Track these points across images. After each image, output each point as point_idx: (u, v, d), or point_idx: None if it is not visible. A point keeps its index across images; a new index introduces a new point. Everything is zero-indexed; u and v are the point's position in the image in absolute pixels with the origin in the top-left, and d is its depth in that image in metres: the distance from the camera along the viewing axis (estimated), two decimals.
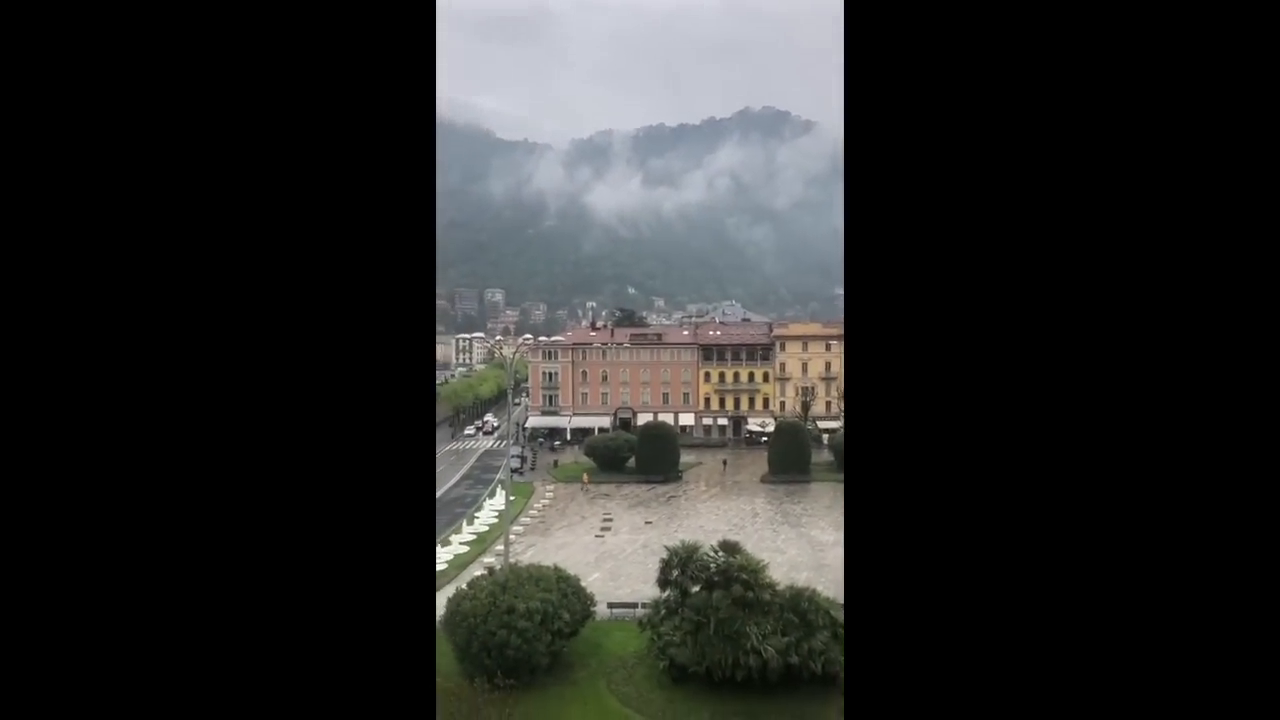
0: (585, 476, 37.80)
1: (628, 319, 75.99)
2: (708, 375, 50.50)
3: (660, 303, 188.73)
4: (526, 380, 52.76)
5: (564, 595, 15.59)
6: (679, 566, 15.33)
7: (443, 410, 57.36)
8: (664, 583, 15.46)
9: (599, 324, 69.70)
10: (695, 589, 14.97)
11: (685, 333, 55.65)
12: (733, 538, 16.53)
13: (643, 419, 45.83)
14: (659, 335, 55.36)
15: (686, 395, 50.85)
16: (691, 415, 49.74)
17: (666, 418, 45.72)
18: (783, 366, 49.98)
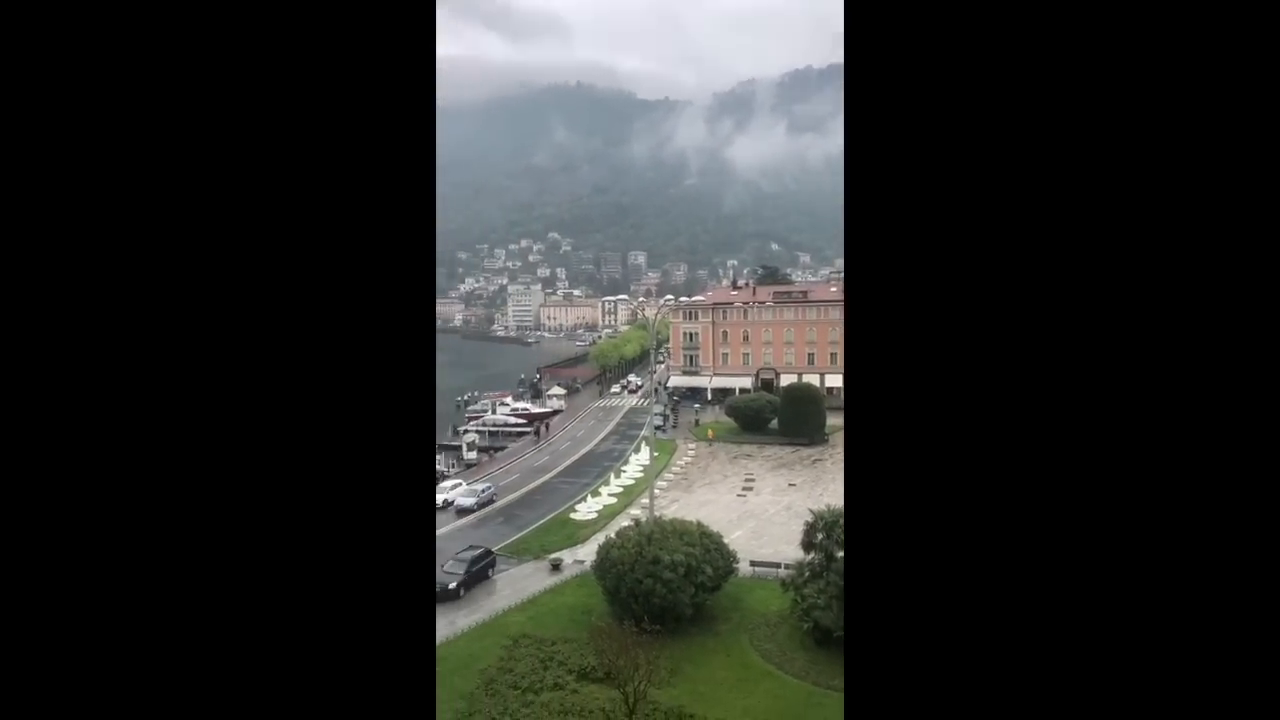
0: (710, 433, 37.82)
1: (770, 276, 73.81)
2: None
3: (806, 258, 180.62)
4: (668, 341, 53.51)
5: (706, 550, 15.98)
6: (824, 530, 14.99)
7: (591, 370, 60.24)
8: (808, 545, 15.24)
9: (740, 283, 68.37)
10: (840, 554, 14.59)
11: (834, 289, 52.90)
12: None
13: (787, 380, 44.71)
14: (804, 293, 53.17)
15: (834, 355, 48.67)
16: (839, 376, 47.63)
17: (812, 379, 44.21)
18: None
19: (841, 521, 14.85)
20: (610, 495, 27.44)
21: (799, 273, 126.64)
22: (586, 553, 19.15)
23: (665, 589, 14.88)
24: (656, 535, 16.01)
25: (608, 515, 24.86)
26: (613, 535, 17.29)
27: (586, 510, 25.59)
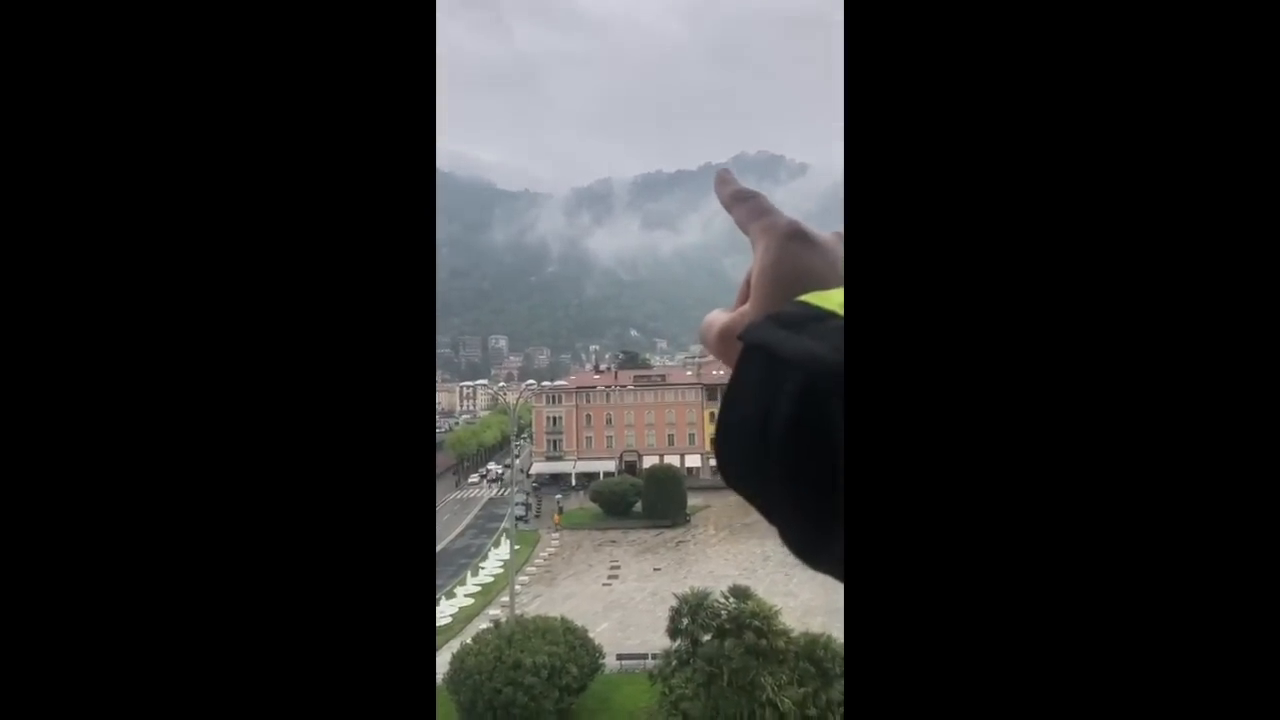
0: (556, 517, 37.40)
1: (631, 361, 76.29)
2: (713, 415, 50.29)
3: (663, 344, 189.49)
4: (530, 426, 52.50)
5: (571, 648, 15.15)
6: (689, 615, 14.93)
7: (446, 459, 56.79)
8: (674, 632, 15.03)
9: (602, 367, 69.82)
10: (706, 638, 14.55)
11: (689, 373, 55.63)
12: (743, 582, 16.14)
13: (649, 461, 45.39)
14: (662, 376, 55.35)
15: (692, 436, 50.52)
16: (698, 456, 49.27)
17: (672, 460, 45.29)
18: None
19: (704, 603, 14.92)
20: (467, 596, 25.42)
21: (657, 357, 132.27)
22: (439, 664, 17.35)
23: (527, 696, 13.76)
24: (517, 636, 14.94)
25: (464, 618, 22.89)
26: (469, 641, 15.86)
27: (440, 615, 23.39)
